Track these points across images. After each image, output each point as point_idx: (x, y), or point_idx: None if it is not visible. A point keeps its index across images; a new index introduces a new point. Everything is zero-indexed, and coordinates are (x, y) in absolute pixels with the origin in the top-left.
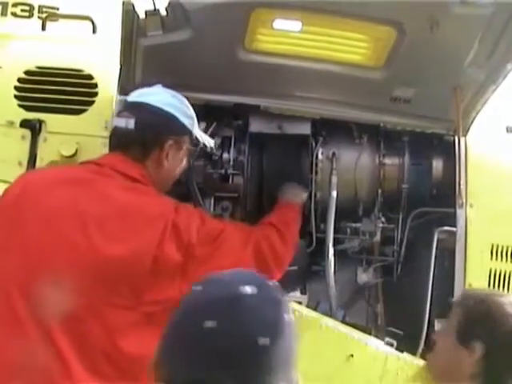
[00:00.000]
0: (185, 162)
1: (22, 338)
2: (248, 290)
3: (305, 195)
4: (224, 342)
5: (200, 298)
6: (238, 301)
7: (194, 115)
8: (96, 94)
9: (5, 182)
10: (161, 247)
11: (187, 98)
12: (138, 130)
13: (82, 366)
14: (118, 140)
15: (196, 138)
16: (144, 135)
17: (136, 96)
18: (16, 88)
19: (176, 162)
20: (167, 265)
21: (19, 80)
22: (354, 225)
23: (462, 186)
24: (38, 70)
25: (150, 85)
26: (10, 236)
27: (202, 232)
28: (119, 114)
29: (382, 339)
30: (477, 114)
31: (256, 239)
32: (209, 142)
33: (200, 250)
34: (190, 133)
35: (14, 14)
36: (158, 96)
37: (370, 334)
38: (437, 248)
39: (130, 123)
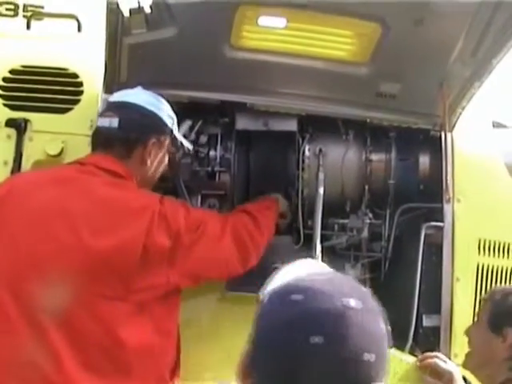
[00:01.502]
0: (166, 161)
1: (13, 337)
2: (352, 303)
3: (284, 201)
4: (330, 359)
5: (302, 309)
6: (344, 315)
7: (174, 116)
8: (81, 93)
9: None
10: (150, 236)
11: (173, 96)
12: (121, 128)
13: (76, 362)
14: (101, 139)
15: (176, 140)
16: (128, 134)
17: (118, 96)
18: (1, 87)
19: (158, 161)
20: (156, 253)
21: (4, 79)
22: (341, 221)
23: (448, 182)
24: (23, 68)
25: (134, 83)
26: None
27: (188, 220)
28: (102, 114)
29: None
30: (463, 109)
31: (234, 226)
32: (187, 144)
33: (187, 238)
34: (171, 132)
35: None
36: (140, 96)
37: None
38: (424, 243)
39: (114, 122)
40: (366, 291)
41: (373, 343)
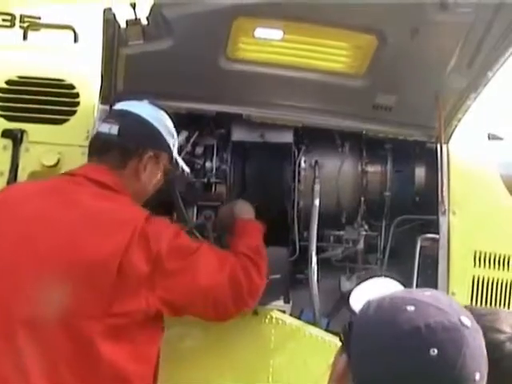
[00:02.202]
0: (160, 180)
1: None
2: (466, 321)
3: (252, 212)
4: (445, 374)
5: (417, 320)
6: (461, 332)
7: (175, 135)
8: (78, 104)
9: None
10: (128, 254)
11: (169, 107)
12: (120, 136)
13: (43, 376)
14: (99, 145)
15: (175, 160)
16: (125, 142)
17: (123, 105)
18: None
19: (152, 177)
20: (133, 274)
21: (0, 90)
22: (337, 233)
23: (444, 194)
24: (19, 79)
25: (131, 94)
26: None
27: (173, 245)
28: (104, 120)
29: None
30: (459, 121)
31: (233, 266)
32: (186, 168)
33: (170, 264)
34: (169, 151)
35: None
36: (146, 109)
37: None
38: (420, 255)
39: (114, 129)
40: (469, 313)
41: (481, 363)
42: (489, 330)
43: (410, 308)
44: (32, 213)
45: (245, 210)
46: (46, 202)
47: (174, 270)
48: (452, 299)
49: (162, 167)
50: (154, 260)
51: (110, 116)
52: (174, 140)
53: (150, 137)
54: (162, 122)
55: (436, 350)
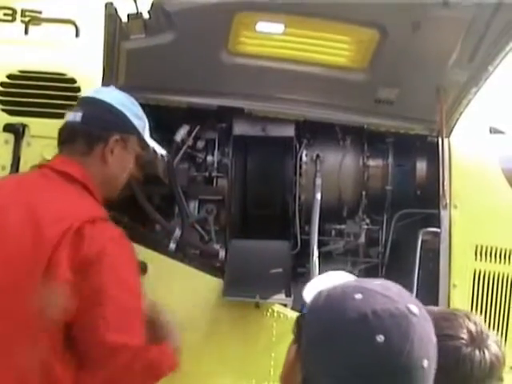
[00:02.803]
0: (131, 164)
1: None
2: (414, 309)
3: (178, 339)
4: (392, 360)
5: (364, 307)
6: (408, 319)
7: (145, 119)
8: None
9: None
10: (58, 250)
11: (171, 101)
12: (84, 122)
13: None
14: (65, 134)
15: (144, 142)
16: (89, 128)
17: (88, 92)
18: None
19: (121, 162)
20: (58, 272)
21: (2, 84)
22: (338, 226)
23: (445, 187)
24: (20, 74)
25: (132, 88)
26: None
27: (108, 262)
28: (71, 109)
29: None
30: (460, 115)
31: (138, 353)
32: (158, 149)
33: (92, 278)
34: (138, 134)
35: None
36: (110, 94)
37: None
38: (421, 249)
39: (78, 116)
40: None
41: (430, 350)
42: (446, 335)
43: (358, 296)
44: None
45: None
46: (5, 197)
47: (93, 292)
48: (401, 288)
49: (131, 151)
50: (78, 263)
51: (76, 104)
52: (142, 123)
53: (114, 120)
54: (128, 105)
55: (382, 337)
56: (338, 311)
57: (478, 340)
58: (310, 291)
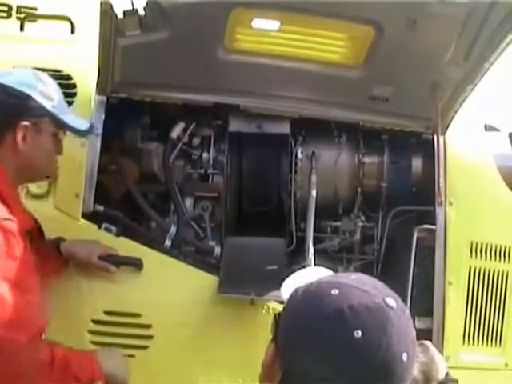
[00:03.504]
0: (51, 146)
1: None
2: (391, 302)
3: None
4: (371, 354)
5: (341, 303)
6: (385, 313)
7: (57, 97)
8: (75, 95)
9: None
10: None
11: (166, 98)
12: None
13: None
14: None
15: (61, 122)
16: None
17: None
18: None
19: (36, 147)
20: None
21: None
22: (334, 224)
23: (441, 185)
24: None
25: (128, 84)
26: None
27: None
28: None
29: None
30: (455, 112)
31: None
32: (79, 125)
33: None
34: (49, 114)
35: None
36: (16, 77)
37: None
38: (416, 246)
39: None
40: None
41: (409, 344)
42: None
43: (335, 291)
44: None
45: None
46: None
47: None
48: (377, 281)
49: (47, 133)
50: None
51: None
52: (53, 101)
53: (19, 106)
54: (34, 86)
55: (360, 332)
56: (315, 308)
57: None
58: (287, 288)
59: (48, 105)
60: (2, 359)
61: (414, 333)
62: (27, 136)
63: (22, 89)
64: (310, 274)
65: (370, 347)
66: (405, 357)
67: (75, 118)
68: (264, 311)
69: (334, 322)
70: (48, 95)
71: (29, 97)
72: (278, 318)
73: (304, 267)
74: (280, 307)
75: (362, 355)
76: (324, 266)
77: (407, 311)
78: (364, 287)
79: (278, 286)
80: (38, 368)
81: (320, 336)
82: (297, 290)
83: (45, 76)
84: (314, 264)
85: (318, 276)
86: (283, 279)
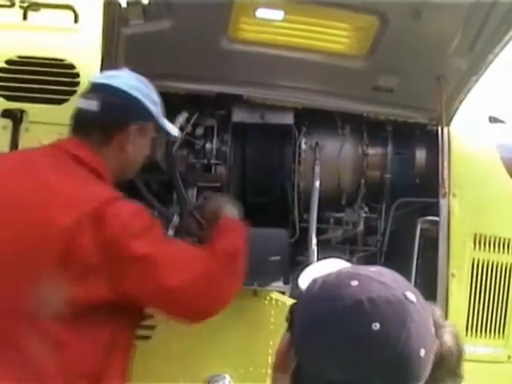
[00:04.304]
0: (148, 149)
1: None
2: (412, 296)
3: (238, 211)
4: (388, 348)
5: (360, 294)
6: (405, 307)
7: (159, 102)
8: (78, 84)
9: None
10: (75, 237)
11: (169, 88)
12: (100, 112)
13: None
14: (80, 122)
15: (161, 127)
16: (107, 118)
17: (101, 78)
18: None
19: (139, 149)
20: (81, 257)
21: (0, 70)
22: (337, 215)
23: (444, 176)
24: (19, 59)
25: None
26: None
27: (135, 231)
28: (82, 96)
29: None
30: (460, 103)
31: (207, 266)
32: (174, 131)
33: (126, 251)
34: (154, 119)
35: None
36: (124, 79)
37: None
38: (420, 238)
39: (93, 105)
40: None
41: (427, 340)
42: None
43: (354, 283)
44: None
45: (232, 209)
46: (14, 175)
47: (132, 259)
48: (397, 275)
49: (149, 137)
50: (106, 244)
51: (89, 90)
52: (158, 107)
53: (131, 109)
54: (143, 91)
55: (378, 325)
56: (333, 298)
57: None
58: (305, 278)
59: (153, 109)
60: (209, 290)
61: (433, 329)
62: (133, 139)
63: (132, 92)
64: (328, 266)
65: (388, 341)
66: (422, 353)
67: (167, 122)
68: (267, 302)
69: (352, 313)
70: (153, 99)
71: (138, 100)
72: (294, 307)
73: (307, 258)
74: (282, 298)
75: (379, 348)
76: (340, 257)
77: (427, 308)
78: (384, 280)
79: (281, 276)
80: (231, 273)
81: (337, 326)
82: (315, 280)
83: (145, 79)
84: (317, 255)
85: (337, 267)
86: (286, 270)
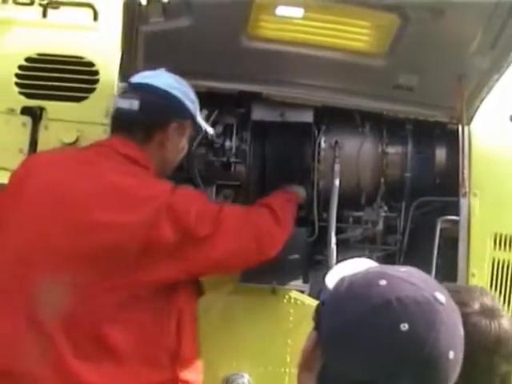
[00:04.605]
0: (186, 147)
1: (14, 321)
2: (441, 298)
3: (303, 192)
4: (416, 349)
5: (389, 294)
6: (434, 308)
7: (196, 101)
8: (97, 81)
9: (5, 169)
10: (156, 228)
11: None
12: (142, 111)
13: (71, 350)
14: (121, 122)
15: (198, 125)
16: (148, 117)
17: (140, 78)
18: (17, 75)
19: (178, 147)
20: (162, 246)
21: (20, 67)
22: (356, 214)
23: (465, 175)
24: (38, 57)
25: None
26: (13, 212)
27: (201, 213)
28: (122, 95)
29: None
30: (481, 102)
31: (255, 221)
32: (209, 129)
33: (199, 232)
34: (192, 118)
35: (15, 1)
36: (163, 79)
37: None
38: (440, 237)
39: (134, 104)
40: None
41: (456, 341)
42: (457, 303)
43: (382, 282)
44: (57, 185)
45: (292, 187)
46: (72, 174)
47: (204, 237)
48: (428, 276)
49: (187, 135)
50: (184, 231)
51: (129, 90)
52: (195, 106)
53: (171, 108)
54: (182, 89)
55: (407, 325)
56: (361, 298)
57: (489, 312)
58: (333, 277)
59: (192, 108)
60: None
61: (463, 332)
62: (173, 136)
63: (172, 91)
64: (355, 265)
65: (416, 342)
66: (451, 355)
67: (203, 121)
68: (285, 300)
69: (380, 313)
70: (191, 98)
71: (178, 99)
72: (321, 306)
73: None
74: (301, 297)
75: (407, 349)
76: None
77: (457, 309)
78: (413, 280)
79: (300, 275)
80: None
81: (365, 326)
82: (343, 279)
83: (181, 79)
84: (336, 254)
85: (364, 267)
86: (305, 269)
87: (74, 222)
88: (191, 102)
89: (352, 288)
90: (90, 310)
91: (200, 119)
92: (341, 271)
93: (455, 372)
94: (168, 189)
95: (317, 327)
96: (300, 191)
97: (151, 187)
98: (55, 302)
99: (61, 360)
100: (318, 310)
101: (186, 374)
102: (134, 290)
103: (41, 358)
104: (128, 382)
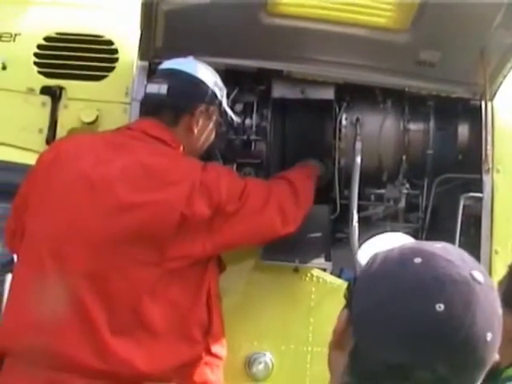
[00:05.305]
0: (213, 133)
1: (47, 296)
2: (479, 276)
3: (322, 168)
4: (452, 331)
5: (424, 272)
6: (471, 287)
7: (224, 88)
8: (116, 60)
9: (26, 149)
10: (190, 205)
11: (209, 63)
12: (170, 95)
13: (107, 325)
14: (150, 106)
15: (224, 111)
16: (176, 101)
17: (169, 64)
18: (36, 55)
19: (205, 130)
20: (196, 222)
21: (39, 47)
22: (378, 191)
23: (488, 152)
24: (57, 36)
25: (170, 50)
26: (43, 199)
27: (231, 189)
28: (152, 81)
29: None
30: (504, 78)
31: (276, 196)
32: (235, 116)
33: (229, 207)
34: (219, 104)
35: None
36: (191, 65)
37: None
38: (462, 215)
39: (163, 88)
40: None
41: (494, 322)
42: None
43: (417, 260)
44: (90, 167)
45: (312, 161)
46: (105, 156)
47: (232, 212)
48: (463, 252)
49: (214, 120)
50: (216, 207)
51: (158, 76)
52: (221, 92)
53: (199, 92)
54: (209, 76)
55: (442, 306)
56: (395, 276)
57: None
58: (365, 253)
59: (219, 93)
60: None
61: (501, 313)
62: (200, 121)
63: (200, 76)
64: (389, 240)
65: (452, 323)
66: (489, 337)
67: (231, 110)
68: (307, 278)
69: (415, 292)
70: (219, 85)
71: (205, 84)
72: (353, 283)
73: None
74: (323, 275)
75: (443, 331)
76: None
77: (495, 288)
78: (450, 257)
79: (322, 253)
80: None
81: (398, 306)
82: (376, 255)
83: (211, 67)
84: (358, 232)
85: (398, 242)
86: (328, 247)
87: (107, 205)
88: (218, 88)
89: (385, 266)
90: (127, 287)
91: (227, 106)
92: (373, 247)
93: (493, 355)
94: (199, 166)
95: (348, 305)
96: (319, 165)
97: (182, 165)
98: (91, 285)
99: (98, 337)
100: (349, 287)
101: (216, 348)
102: (168, 265)
103: (80, 336)
104: (164, 357)
